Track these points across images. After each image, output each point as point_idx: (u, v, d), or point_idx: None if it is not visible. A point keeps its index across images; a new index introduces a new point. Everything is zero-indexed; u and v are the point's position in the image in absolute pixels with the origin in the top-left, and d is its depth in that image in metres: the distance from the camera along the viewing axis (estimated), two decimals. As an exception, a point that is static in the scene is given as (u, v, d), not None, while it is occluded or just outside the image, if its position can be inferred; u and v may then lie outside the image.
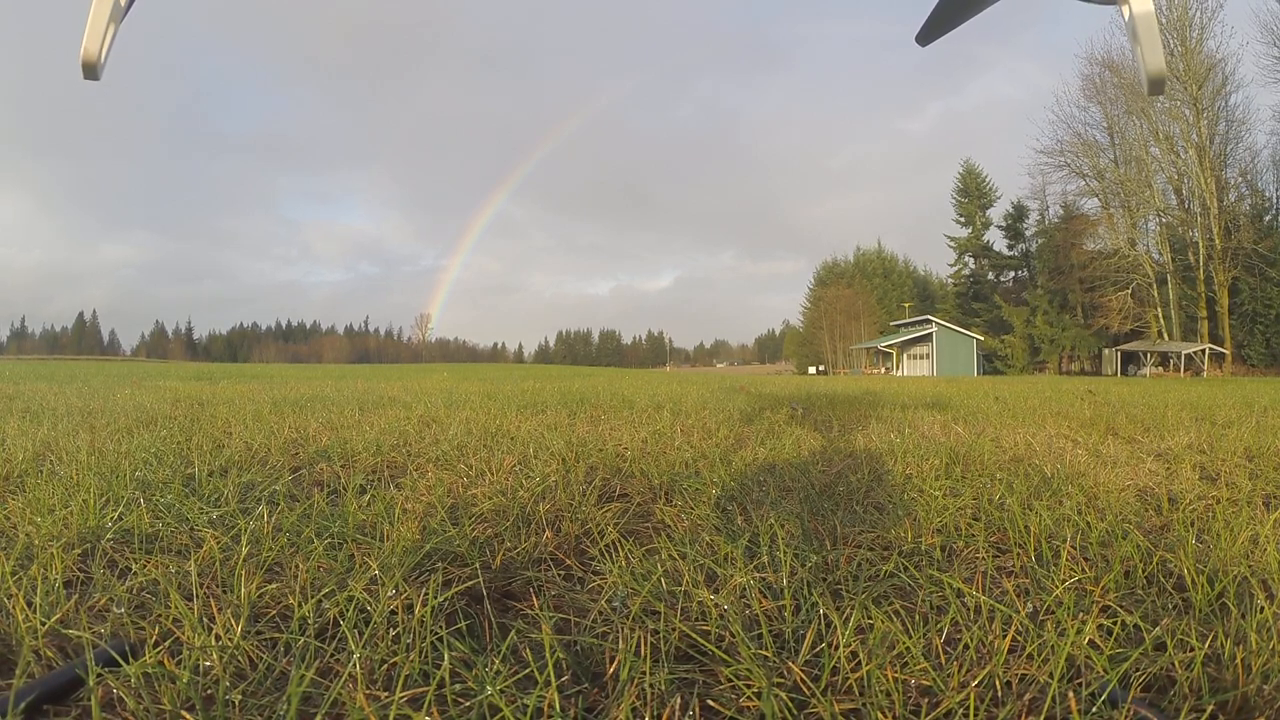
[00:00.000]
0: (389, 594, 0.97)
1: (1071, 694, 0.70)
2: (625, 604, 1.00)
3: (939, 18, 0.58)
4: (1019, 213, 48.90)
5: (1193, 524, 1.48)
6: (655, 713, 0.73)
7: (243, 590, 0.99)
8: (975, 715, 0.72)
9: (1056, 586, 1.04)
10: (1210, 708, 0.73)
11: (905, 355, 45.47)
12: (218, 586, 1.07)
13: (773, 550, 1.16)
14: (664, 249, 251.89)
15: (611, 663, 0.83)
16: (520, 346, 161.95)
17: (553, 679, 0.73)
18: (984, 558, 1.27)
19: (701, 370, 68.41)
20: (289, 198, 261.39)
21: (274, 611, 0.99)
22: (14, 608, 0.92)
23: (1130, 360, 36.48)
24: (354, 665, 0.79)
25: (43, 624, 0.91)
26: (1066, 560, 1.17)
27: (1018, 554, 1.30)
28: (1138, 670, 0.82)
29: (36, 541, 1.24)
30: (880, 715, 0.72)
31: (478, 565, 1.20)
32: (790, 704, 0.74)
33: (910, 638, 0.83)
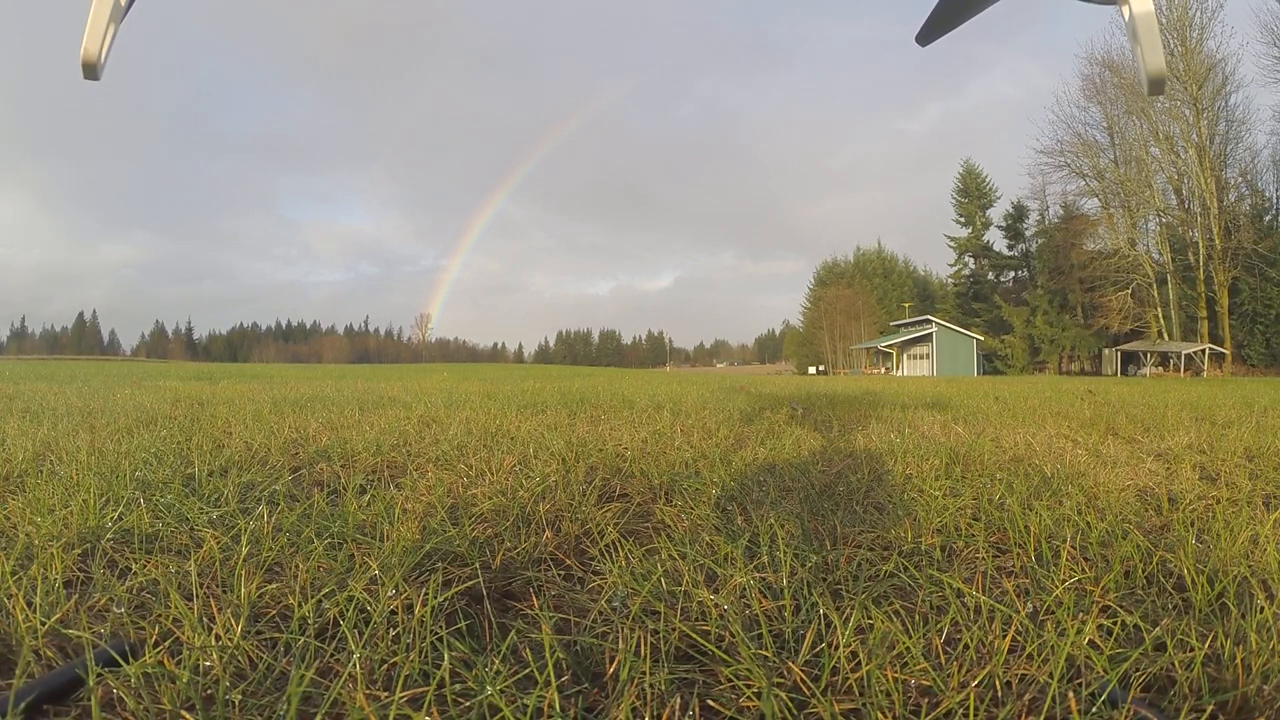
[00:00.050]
0: (389, 594, 0.97)
1: (1071, 694, 0.70)
2: (625, 604, 1.00)
3: (939, 18, 0.58)
4: (1019, 213, 48.94)
5: (1193, 524, 1.48)
6: (655, 713, 0.73)
7: (243, 590, 0.99)
8: (975, 715, 0.72)
9: (1056, 586, 1.04)
10: (1210, 708, 0.73)
11: (905, 355, 45.47)
12: (218, 586, 1.07)
13: (773, 550, 1.16)
14: (664, 249, 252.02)
15: (611, 663, 0.83)
16: (520, 346, 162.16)
17: (553, 679, 0.73)
18: (984, 558, 1.27)
19: (701, 370, 68.42)
20: (289, 198, 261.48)
21: (274, 611, 0.99)
22: (14, 608, 0.92)
23: (1130, 360, 36.48)
24: (354, 665, 0.79)
25: (43, 624, 0.91)
26: (1066, 560, 1.17)
27: (1018, 554, 1.30)
28: (1138, 670, 0.82)
29: (36, 541, 1.24)
30: (880, 715, 0.72)
31: (478, 565, 1.20)
32: (790, 704, 0.74)
33: (910, 638, 0.83)
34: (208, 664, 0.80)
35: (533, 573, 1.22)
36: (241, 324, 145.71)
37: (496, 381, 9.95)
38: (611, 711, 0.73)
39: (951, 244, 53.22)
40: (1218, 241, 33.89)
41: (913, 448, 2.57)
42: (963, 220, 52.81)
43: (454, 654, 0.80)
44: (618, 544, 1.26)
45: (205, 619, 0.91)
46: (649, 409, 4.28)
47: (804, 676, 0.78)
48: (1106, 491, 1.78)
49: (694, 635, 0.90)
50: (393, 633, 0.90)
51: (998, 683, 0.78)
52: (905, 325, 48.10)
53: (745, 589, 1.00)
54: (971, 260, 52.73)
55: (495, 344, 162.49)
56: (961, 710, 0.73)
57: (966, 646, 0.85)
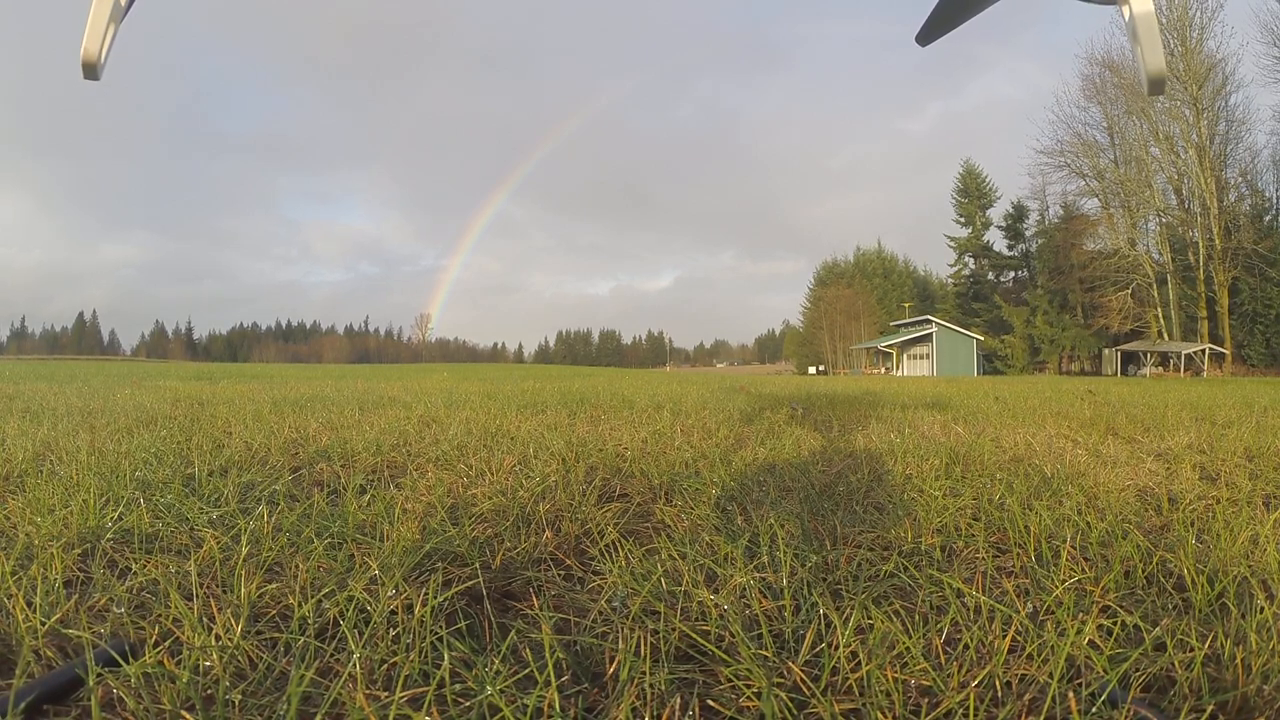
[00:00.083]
0: (389, 594, 0.97)
1: (1071, 694, 0.70)
2: (625, 604, 1.00)
3: (939, 18, 0.58)
4: (1019, 213, 48.93)
5: (1193, 524, 1.48)
6: (655, 713, 0.73)
7: (243, 590, 0.99)
8: (975, 715, 0.72)
9: (1056, 586, 1.04)
10: (1210, 708, 0.73)
11: (905, 355, 45.47)
12: (218, 586, 1.07)
13: (773, 550, 1.16)
14: (664, 249, 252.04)
15: (611, 663, 0.83)
16: (520, 346, 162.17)
17: (553, 679, 0.73)
18: (984, 558, 1.27)
19: (701, 370, 68.42)
20: (289, 198, 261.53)
21: (274, 611, 0.99)
22: (14, 608, 0.92)
23: (1130, 360, 36.48)
24: (354, 665, 0.79)
25: (43, 624, 0.91)
26: (1066, 560, 1.17)
27: (1018, 554, 1.30)
28: (1138, 670, 0.82)
29: (36, 541, 1.24)
30: (880, 715, 0.72)
31: (478, 565, 1.20)
32: (790, 704, 0.74)
33: (910, 638, 0.83)
34: (208, 664, 0.80)
35: (533, 573, 1.22)
36: (241, 324, 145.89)
37: (496, 381, 9.95)
38: (611, 711, 0.73)
39: (951, 244, 53.27)
40: (1218, 241, 33.89)
41: (913, 448, 2.57)
42: (963, 220, 52.83)
43: (454, 654, 0.80)
44: (618, 544, 1.26)
45: (205, 619, 0.91)
46: (649, 409, 4.28)
47: (804, 676, 0.78)
48: (1106, 491, 1.78)
49: (694, 635, 0.90)
50: (393, 633, 0.90)
51: (998, 683, 0.78)
52: (905, 325, 48.10)
53: (745, 589, 1.00)
54: (971, 260, 52.74)
55: (495, 344, 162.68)
56: (961, 710, 0.73)
57: (966, 646, 0.85)
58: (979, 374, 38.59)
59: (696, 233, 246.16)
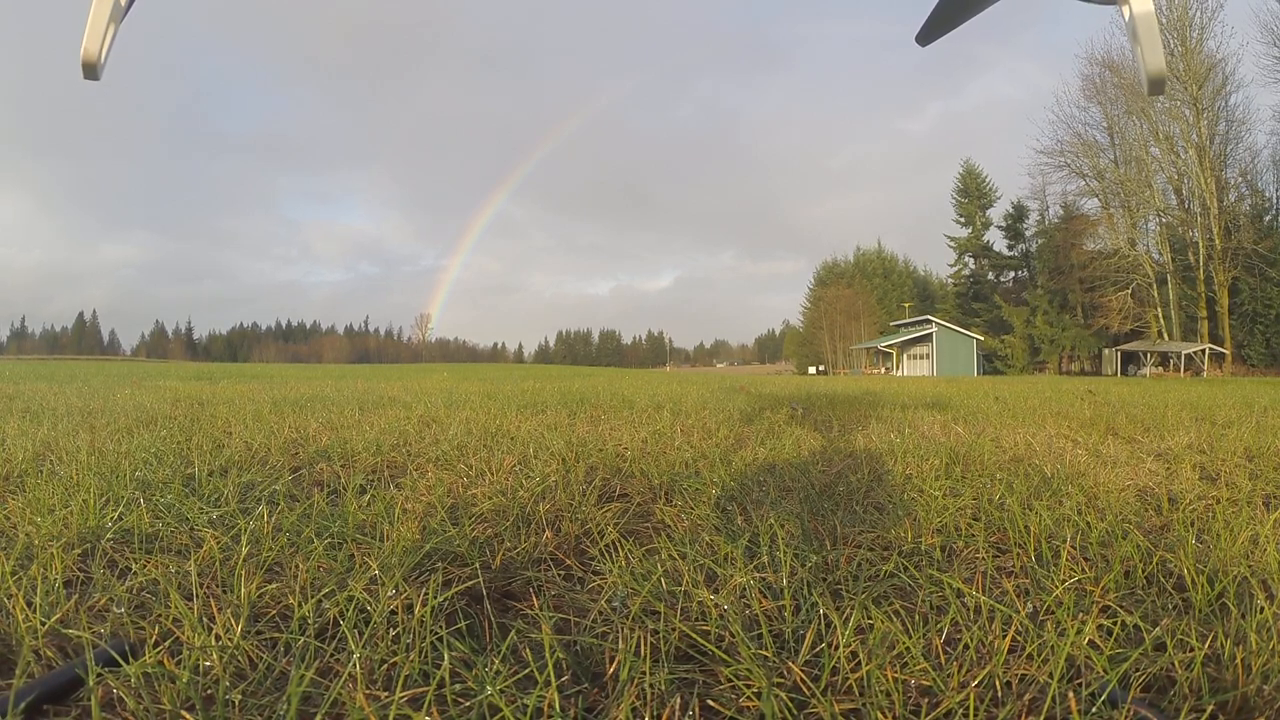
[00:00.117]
0: (389, 594, 0.97)
1: (1071, 694, 0.70)
2: (625, 604, 1.00)
3: (939, 18, 0.58)
4: (1019, 213, 48.93)
5: (1193, 524, 1.48)
6: (655, 713, 0.73)
7: (243, 590, 0.99)
8: (975, 715, 0.72)
9: (1056, 586, 1.04)
10: (1210, 708, 0.73)
11: (905, 355, 45.47)
12: (218, 586, 1.07)
13: (773, 550, 1.16)
14: (664, 249, 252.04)
15: (611, 663, 0.83)
16: (520, 346, 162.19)
17: (553, 679, 0.73)
18: (984, 558, 1.27)
19: (701, 370, 68.42)
20: (289, 198, 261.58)
21: (274, 611, 0.99)
22: (14, 608, 0.92)
23: (1130, 360, 36.48)
24: (354, 665, 0.79)
25: (43, 624, 0.91)
26: (1066, 560, 1.17)
27: (1018, 554, 1.30)
28: (1138, 670, 0.82)
29: (36, 541, 1.24)
30: (880, 715, 0.72)
31: (478, 565, 1.20)
32: (790, 704, 0.74)
33: (910, 638, 0.83)
34: (208, 664, 0.80)
35: (533, 573, 1.22)
36: (241, 324, 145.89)
37: (496, 381, 9.95)
38: (611, 711, 0.73)
39: (951, 244, 53.26)
40: (1218, 241, 33.88)
41: (913, 448, 2.57)
42: (963, 220, 52.82)
43: (454, 654, 0.80)
44: (618, 544, 1.26)
45: (205, 619, 0.91)
46: (649, 409, 4.28)
47: (804, 676, 0.78)
48: (1106, 491, 1.78)
49: (694, 635, 0.90)
50: (393, 633, 0.90)
51: (998, 683, 0.78)
52: (905, 325, 48.10)
53: (745, 589, 1.00)
54: (971, 260, 52.74)
55: (495, 344, 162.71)
56: (961, 710, 0.73)
57: (966, 646, 0.85)
58: (979, 374, 38.59)
59: (696, 233, 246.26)
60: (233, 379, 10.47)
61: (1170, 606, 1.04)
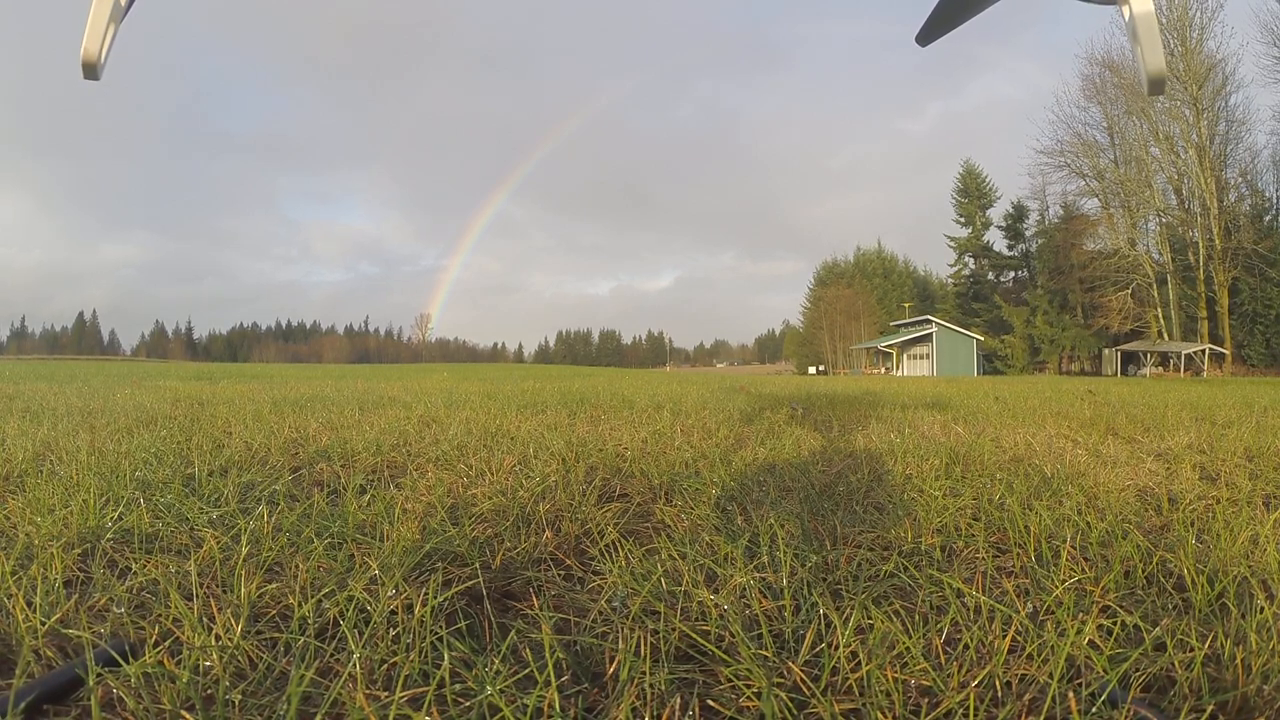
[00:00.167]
0: (389, 594, 0.97)
1: (1071, 694, 0.70)
2: (625, 604, 1.00)
3: (939, 18, 0.58)
4: (1019, 213, 48.92)
5: (1193, 524, 1.48)
6: (655, 713, 0.73)
7: (243, 590, 0.99)
8: (975, 715, 0.72)
9: (1056, 586, 1.04)
10: (1210, 708, 0.73)
11: (905, 355, 45.47)
12: (218, 586, 1.07)
13: (773, 550, 1.16)
14: (664, 249, 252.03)
15: (611, 663, 0.83)
16: (520, 346, 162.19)
17: (553, 679, 0.73)
18: (984, 558, 1.27)
19: (701, 370, 68.43)
20: (289, 198, 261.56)
21: (274, 611, 0.99)
22: (14, 608, 0.92)
23: (1130, 360, 36.47)
24: (354, 665, 0.79)
25: (43, 624, 0.91)
26: (1066, 560, 1.17)
27: (1018, 554, 1.29)
28: (1138, 670, 0.82)
29: (36, 541, 1.24)
30: (880, 715, 0.72)
31: (478, 565, 1.20)
32: (790, 704, 0.74)
33: (910, 638, 0.83)
34: (208, 664, 0.80)
35: (533, 573, 1.22)
36: (241, 324, 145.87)
37: (496, 381, 9.95)
38: (611, 711, 0.73)
39: (951, 244, 53.26)
40: (1218, 241, 33.88)
41: (913, 448, 2.57)
42: (963, 220, 52.81)
43: (454, 654, 0.80)
44: (618, 544, 1.26)
45: (205, 619, 0.91)
46: (649, 409, 4.28)
47: (804, 676, 0.78)
48: (1106, 491, 1.78)
49: (694, 635, 0.90)
50: (393, 633, 0.90)
51: (998, 683, 0.78)
52: (905, 325, 48.09)
53: (745, 589, 1.00)
54: (971, 260, 52.73)
55: (495, 344, 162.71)
56: (961, 710, 0.73)
57: (966, 646, 0.85)
58: (979, 374, 38.59)
59: (696, 233, 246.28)
60: (233, 379, 10.47)
61: (1170, 606, 1.04)
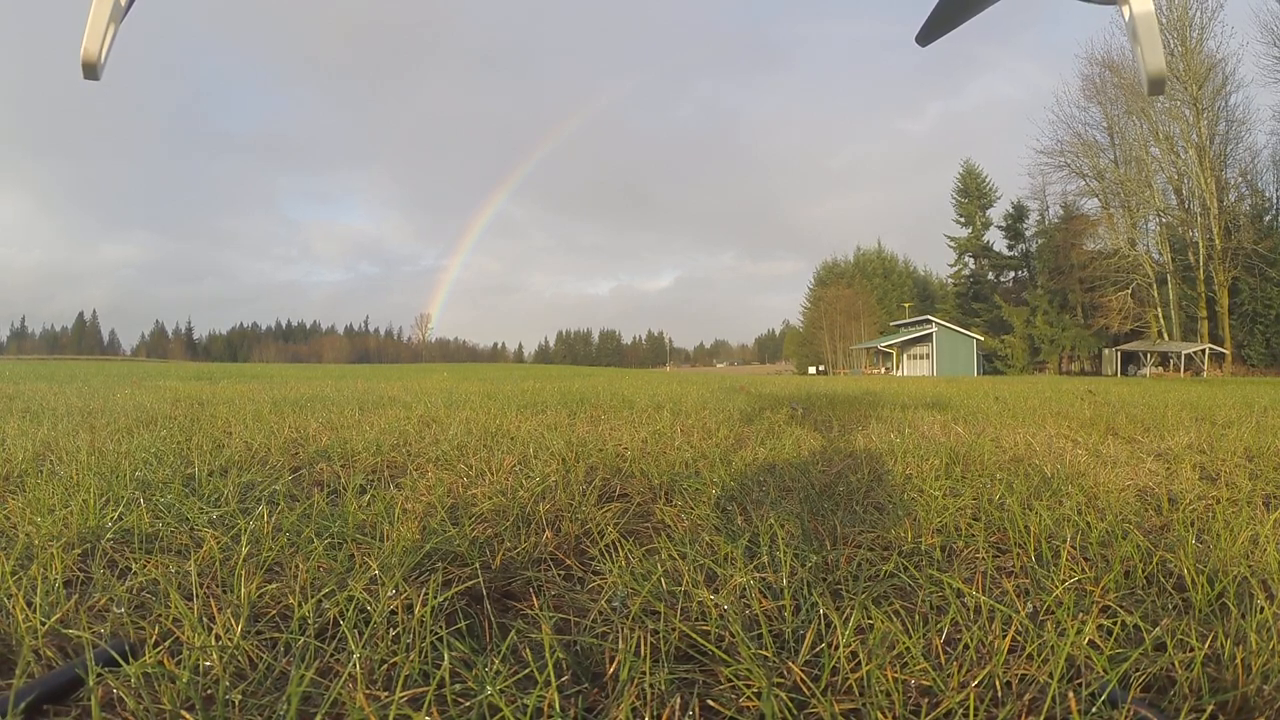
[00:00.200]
0: (389, 594, 0.97)
1: (1071, 694, 0.70)
2: (625, 604, 1.00)
3: (939, 18, 0.58)
4: (1019, 213, 48.93)
5: (1193, 524, 1.48)
6: (655, 713, 0.73)
7: (243, 590, 0.99)
8: (975, 715, 0.72)
9: (1056, 586, 1.04)
10: (1210, 708, 0.73)
11: (905, 355, 45.47)
12: (218, 586, 1.07)
13: (773, 550, 1.16)
14: (664, 249, 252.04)
15: (611, 663, 0.83)
16: (520, 346, 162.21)
17: (553, 679, 0.73)
18: (984, 558, 1.27)
19: (701, 370, 68.43)
20: (289, 198, 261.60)
21: (274, 611, 0.99)
22: (14, 608, 0.92)
23: (1130, 360, 36.47)
24: (354, 665, 0.79)
25: (43, 624, 0.91)
26: (1066, 560, 1.17)
27: (1018, 554, 1.29)
28: (1138, 670, 0.82)
29: (36, 541, 1.24)
30: (880, 715, 0.72)
31: (478, 565, 1.20)
32: (790, 704, 0.74)
33: (910, 638, 0.83)
34: (208, 664, 0.80)
35: (533, 573, 1.22)
36: (241, 324, 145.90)
37: (496, 381, 9.95)
38: (611, 711, 0.73)
39: (951, 244, 53.26)
40: (1218, 241, 33.88)
41: (913, 448, 2.57)
42: (963, 220, 52.81)
43: (454, 654, 0.80)
44: (618, 544, 1.26)
45: (205, 619, 0.91)
46: (649, 409, 4.28)
47: (804, 676, 0.78)
48: (1106, 491, 1.78)
49: (694, 635, 0.90)
50: (393, 633, 0.90)
51: (998, 683, 0.78)
52: (905, 325, 48.09)
53: (745, 589, 1.00)
54: (971, 260, 52.73)
55: (495, 344, 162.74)
56: (961, 710, 0.73)
57: (966, 646, 0.85)
58: (979, 374, 38.59)
59: (696, 233, 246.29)
60: (233, 379, 10.47)
61: (1170, 606, 1.04)
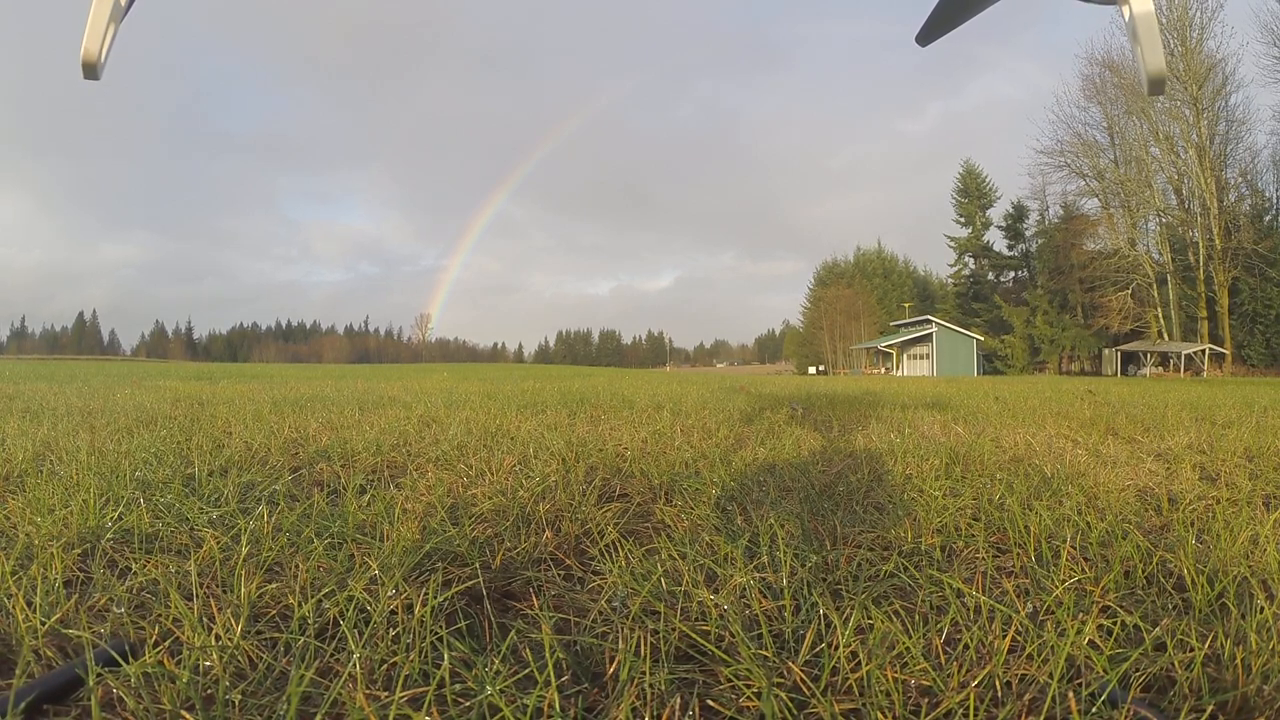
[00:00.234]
0: (389, 594, 0.97)
1: (1071, 694, 0.70)
2: (625, 604, 1.00)
3: (939, 18, 0.58)
4: (1019, 213, 48.92)
5: (1193, 524, 1.48)
6: (655, 713, 0.73)
7: (243, 590, 0.99)
8: (975, 715, 0.72)
9: (1056, 586, 1.04)
10: (1210, 708, 0.73)
11: (905, 355, 45.47)
12: (218, 586, 1.07)
13: (773, 550, 1.16)
14: (664, 249, 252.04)
15: (611, 663, 0.83)
16: (520, 346, 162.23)
17: (553, 679, 0.73)
18: (984, 558, 1.27)
19: (701, 370, 68.44)
20: (289, 198, 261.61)
21: (274, 611, 0.99)
22: (14, 608, 0.92)
23: (1130, 360, 36.47)
24: (354, 665, 0.79)
25: (43, 624, 0.91)
26: (1066, 560, 1.17)
27: (1018, 554, 1.29)
28: (1138, 670, 0.82)
29: (36, 541, 1.24)
30: (880, 715, 0.72)
31: (478, 565, 1.20)
32: (790, 704, 0.74)
33: (910, 638, 0.83)
34: (208, 664, 0.80)
35: (533, 573, 1.22)
36: (241, 324, 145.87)
37: (496, 381, 9.95)
38: (611, 711, 0.73)
39: (951, 244, 53.24)
40: (1218, 242, 33.88)
41: (913, 448, 2.57)
42: (963, 220, 52.80)
43: (454, 654, 0.80)
44: (618, 544, 1.26)
45: (205, 619, 0.91)
46: (649, 409, 4.28)
47: (804, 676, 0.78)
48: (1106, 491, 1.78)
49: (694, 635, 0.90)
50: (393, 633, 0.90)
51: (998, 683, 0.78)
52: (905, 325, 48.09)
53: (745, 589, 1.00)
54: (971, 260, 52.72)
55: (495, 344, 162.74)
56: (961, 710, 0.73)
57: (966, 646, 0.85)
58: (979, 374, 38.60)
59: (696, 233, 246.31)
60: (233, 379, 10.47)
61: (1170, 606, 1.04)
